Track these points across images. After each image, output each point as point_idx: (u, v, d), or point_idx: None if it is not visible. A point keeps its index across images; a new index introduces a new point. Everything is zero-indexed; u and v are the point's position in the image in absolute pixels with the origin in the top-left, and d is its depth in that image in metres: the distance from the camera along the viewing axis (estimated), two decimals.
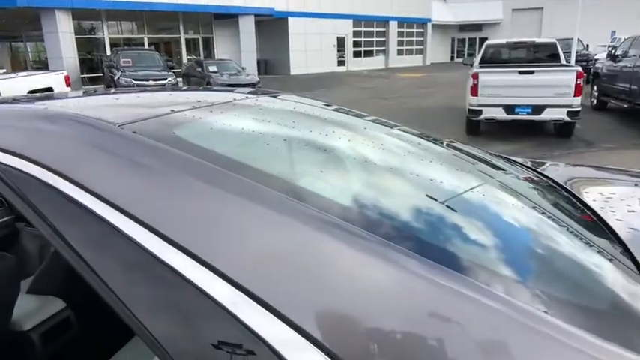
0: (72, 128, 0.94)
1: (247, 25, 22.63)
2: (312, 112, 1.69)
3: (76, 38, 18.73)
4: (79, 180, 0.80)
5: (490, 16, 35.60)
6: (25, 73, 14.42)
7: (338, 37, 28.11)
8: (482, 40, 14.07)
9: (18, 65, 20.98)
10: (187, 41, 23.56)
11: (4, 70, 15.49)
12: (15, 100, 1.37)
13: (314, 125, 1.50)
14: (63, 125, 0.96)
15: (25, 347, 1.51)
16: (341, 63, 28.71)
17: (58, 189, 0.80)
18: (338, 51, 28.50)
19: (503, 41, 10.24)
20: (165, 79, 15.12)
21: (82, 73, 19.30)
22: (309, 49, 26.22)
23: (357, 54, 30.04)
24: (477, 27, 36.68)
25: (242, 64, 19.92)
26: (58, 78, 13.10)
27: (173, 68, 19.47)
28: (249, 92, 1.96)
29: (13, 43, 22.98)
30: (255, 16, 22.75)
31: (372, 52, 31.29)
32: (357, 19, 29.02)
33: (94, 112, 1.09)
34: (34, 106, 1.16)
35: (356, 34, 29.60)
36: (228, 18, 22.64)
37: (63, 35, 17.77)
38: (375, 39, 31.16)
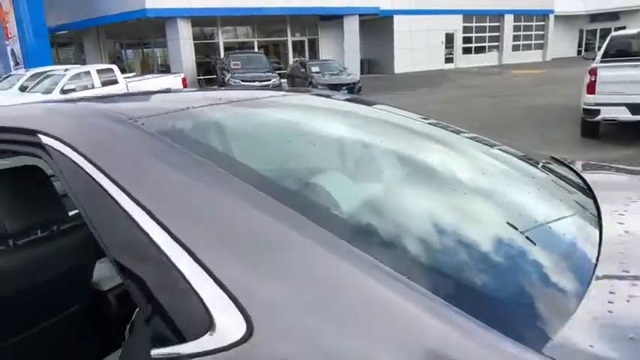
0: (97, 120, 1.09)
1: (351, 25, 22.71)
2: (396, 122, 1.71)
3: (194, 43, 20.36)
4: (99, 163, 0.91)
5: (631, 1, 31.12)
6: (150, 75, 16.13)
7: (446, 34, 26.96)
8: (620, 30, 12.34)
9: (147, 68, 23.49)
10: (294, 43, 24.37)
11: (135, 74, 17.47)
12: (75, 99, 1.55)
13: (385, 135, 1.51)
14: (93, 118, 1.11)
15: (103, 306, 1.80)
16: (449, 60, 27.51)
17: (85, 170, 0.92)
18: (446, 48, 27.34)
19: (634, 31, 8.92)
20: (270, 80, 15.76)
21: (199, 76, 20.91)
22: (415, 47, 25.52)
23: (466, 50, 28.55)
24: (613, 16, 32.39)
25: (345, 64, 20.05)
26: (176, 80, 14.41)
27: (280, 70, 20.30)
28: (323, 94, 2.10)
29: (144, 49, 25.75)
30: (360, 15, 22.74)
31: (483, 48, 29.51)
32: (468, 14, 27.56)
33: (119, 107, 1.28)
34: (83, 104, 1.34)
35: (466, 29, 28.13)
36: (334, 19, 22.94)
37: (183, 41, 19.44)
38: (487, 34, 29.34)
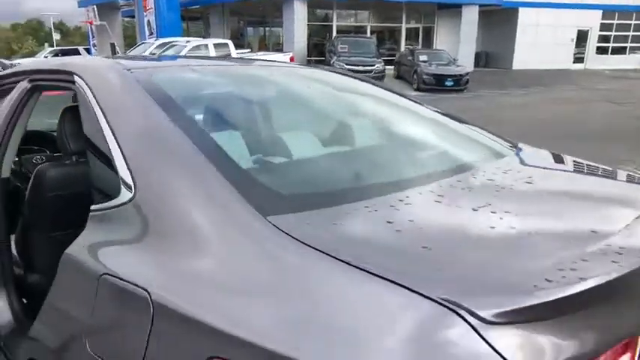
0: (106, 70, 1.44)
1: (470, 16, 21.59)
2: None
3: (309, 25, 20.94)
4: (97, 96, 1.29)
5: None
6: (261, 52, 17.06)
7: (579, 30, 24.40)
8: None
9: (263, 46, 24.75)
10: (408, 30, 23.86)
11: (249, 50, 18.58)
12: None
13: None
14: (105, 69, 1.46)
15: None
16: (578, 60, 24.93)
17: (89, 100, 1.30)
18: (576, 46, 24.81)
19: None
20: (373, 65, 15.74)
21: (309, 56, 21.52)
22: (539, 43, 23.49)
23: (601, 50, 25.60)
24: None
25: (459, 56, 19.25)
26: (285, 57, 15.08)
27: (393, 56, 20.12)
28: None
29: (264, 28, 27.11)
30: (480, 6, 21.52)
31: (623, 48, 26.21)
32: (609, 10, 24.59)
33: (129, 63, 1.57)
34: (108, 60, 1.69)
35: (604, 27, 25.16)
36: (452, 8, 21.98)
37: (297, 22, 20.10)
38: (630, 33, 25.97)
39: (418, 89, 16.05)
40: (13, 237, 2.05)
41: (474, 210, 1.06)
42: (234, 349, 0.73)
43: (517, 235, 0.97)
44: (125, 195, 1.07)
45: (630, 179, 1.60)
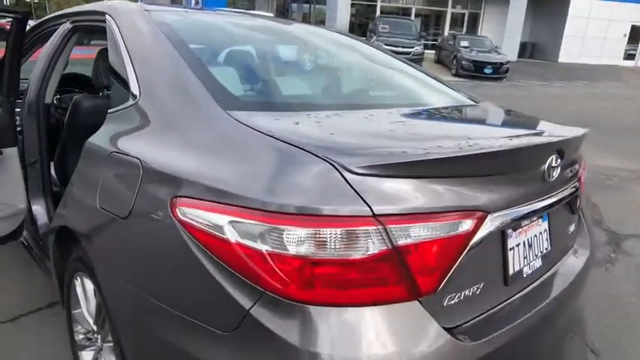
0: (131, 12, 1.72)
1: (518, 4, 20.95)
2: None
3: (352, 4, 20.89)
4: (122, 33, 1.61)
5: None
6: None
7: (633, 26, 23.29)
8: None
9: (305, 22, 24.85)
10: (453, 16, 23.41)
11: None
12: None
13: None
14: (130, 11, 1.74)
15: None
16: (630, 57, 23.87)
17: (115, 36, 1.63)
18: (628, 42, 23.71)
19: None
20: (412, 47, 15.67)
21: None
22: (589, 36, 22.61)
23: None
24: None
25: (503, 44, 18.85)
26: None
27: (436, 41, 19.88)
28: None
29: (310, 5, 27.16)
30: None
31: None
32: None
33: (152, 6, 1.86)
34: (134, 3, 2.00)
35: None
36: None
37: (341, 0, 20.10)
38: None
39: (456, 74, 15.91)
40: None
41: (391, 122, 1.42)
42: (192, 188, 1.06)
43: (410, 132, 1.36)
44: (131, 101, 1.42)
45: (534, 124, 1.86)
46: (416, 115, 1.66)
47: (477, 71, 15.65)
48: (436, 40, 20.61)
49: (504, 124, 1.84)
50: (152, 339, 1.16)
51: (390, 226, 0.93)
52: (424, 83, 2.11)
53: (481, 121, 1.80)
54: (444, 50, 17.98)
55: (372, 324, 0.94)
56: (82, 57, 3.02)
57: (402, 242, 0.95)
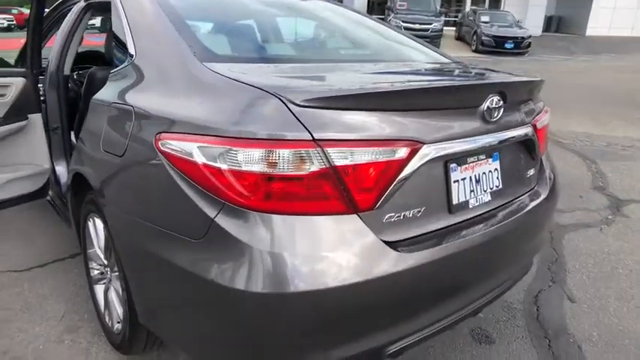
0: None
1: None
2: None
3: None
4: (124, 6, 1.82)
5: None
6: None
7: None
8: None
9: None
10: None
11: None
12: None
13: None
14: None
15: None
16: None
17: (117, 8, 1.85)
18: None
19: None
20: (431, 24, 15.49)
21: (369, 13, 21.30)
22: (620, 7, 21.71)
23: None
24: None
25: (527, 19, 18.40)
26: None
27: (457, 18, 19.53)
28: None
29: None
30: None
31: None
32: None
33: None
34: None
35: None
36: None
37: None
38: None
39: (476, 51, 15.69)
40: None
41: (345, 71, 1.64)
42: (171, 125, 1.27)
43: (357, 77, 1.57)
44: (129, 60, 1.64)
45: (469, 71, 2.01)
46: (374, 67, 1.84)
47: (497, 47, 15.39)
48: (457, 16, 20.27)
49: (452, 72, 1.95)
50: (143, 254, 1.39)
51: (327, 149, 1.12)
52: (403, 45, 2.26)
53: (433, 71, 1.93)
54: (465, 26, 17.69)
55: (317, 230, 1.13)
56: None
57: (339, 163, 1.13)
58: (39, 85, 2.59)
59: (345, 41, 2.29)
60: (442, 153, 1.30)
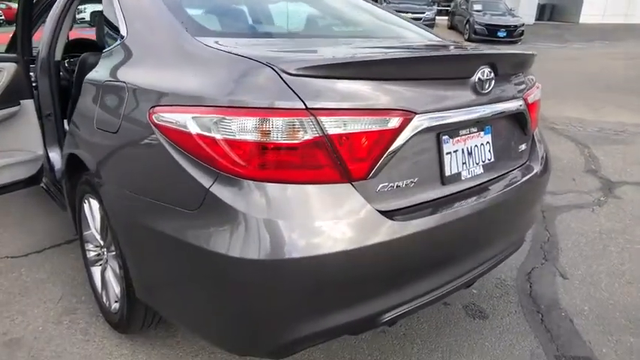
0: None
1: None
2: None
3: None
4: None
5: None
6: None
7: None
8: None
9: None
10: None
11: None
12: None
13: None
14: None
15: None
16: None
17: None
18: None
19: None
20: (423, 12, 15.47)
21: None
22: None
23: None
24: None
25: (520, 6, 18.39)
26: None
27: (449, 7, 19.47)
28: None
29: None
30: None
31: None
32: None
33: None
34: None
35: None
36: None
37: None
38: None
39: (469, 39, 15.67)
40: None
41: (337, 45, 1.67)
42: (165, 98, 1.28)
43: (349, 49, 1.61)
44: (120, 40, 1.65)
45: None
46: (367, 42, 1.87)
47: (490, 35, 15.38)
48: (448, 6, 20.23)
49: (444, 47, 1.96)
50: (138, 229, 1.40)
51: (320, 117, 1.13)
52: (395, 23, 2.26)
53: (425, 45, 1.94)
54: (457, 15, 17.67)
55: (311, 198, 1.15)
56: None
57: (332, 132, 1.14)
58: (30, 74, 2.59)
59: (338, 20, 2.29)
60: (434, 124, 1.32)
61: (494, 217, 1.55)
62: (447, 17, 19.10)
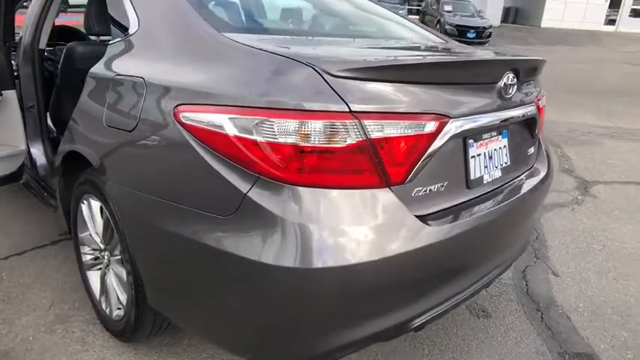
0: None
1: None
2: None
3: None
4: None
5: None
6: None
7: None
8: None
9: None
10: None
11: None
12: None
13: None
14: None
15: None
16: (610, 22, 24.08)
17: None
18: (610, 7, 23.86)
19: None
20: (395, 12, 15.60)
21: None
22: (571, 1, 22.69)
23: (636, 13, 24.59)
24: None
25: (487, 9, 18.83)
26: None
27: (420, 6, 19.76)
28: None
29: None
30: None
31: None
32: None
33: None
34: None
35: None
36: None
37: None
38: None
39: None
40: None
41: (367, 46, 1.64)
42: (195, 96, 1.21)
43: (382, 51, 1.60)
44: (131, 31, 1.55)
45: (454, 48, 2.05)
46: (391, 42, 1.86)
47: (460, 36, 15.68)
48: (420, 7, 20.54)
49: (468, 51, 1.98)
50: (157, 234, 1.32)
51: (364, 121, 1.10)
52: (404, 26, 2.26)
53: (445, 49, 1.95)
54: (428, 15, 17.93)
55: (352, 204, 1.11)
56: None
57: (375, 136, 1.12)
58: (12, 62, 2.42)
59: (354, 20, 2.27)
60: (466, 127, 1.32)
61: (513, 218, 1.57)
62: (417, 16, 19.33)
